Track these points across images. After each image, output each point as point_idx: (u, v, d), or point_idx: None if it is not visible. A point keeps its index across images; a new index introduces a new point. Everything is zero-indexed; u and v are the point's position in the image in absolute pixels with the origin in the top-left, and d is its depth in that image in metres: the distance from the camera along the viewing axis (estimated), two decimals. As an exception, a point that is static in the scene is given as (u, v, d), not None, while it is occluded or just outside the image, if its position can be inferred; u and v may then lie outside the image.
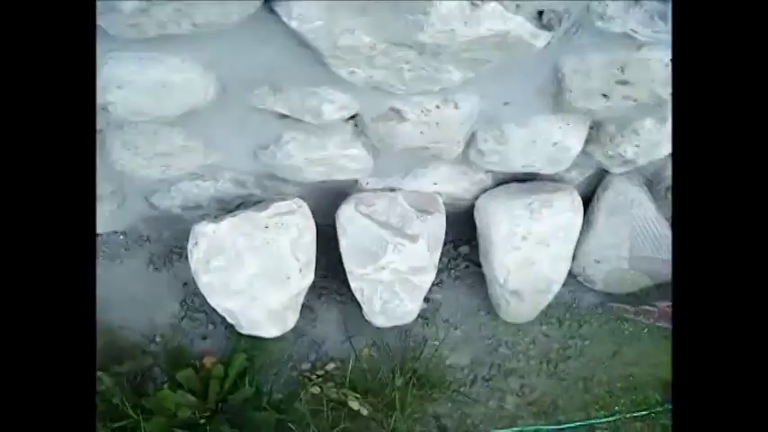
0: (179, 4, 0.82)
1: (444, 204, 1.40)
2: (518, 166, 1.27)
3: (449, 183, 1.37)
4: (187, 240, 1.34)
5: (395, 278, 1.33)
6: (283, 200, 1.29)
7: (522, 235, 1.32)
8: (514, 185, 1.38)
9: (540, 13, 0.91)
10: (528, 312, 1.44)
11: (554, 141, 1.20)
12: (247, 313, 1.32)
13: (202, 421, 1.32)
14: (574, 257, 1.42)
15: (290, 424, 1.29)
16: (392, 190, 1.36)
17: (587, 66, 1.03)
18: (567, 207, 1.33)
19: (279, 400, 1.36)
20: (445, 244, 1.47)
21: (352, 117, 1.15)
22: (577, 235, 1.36)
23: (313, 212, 1.34)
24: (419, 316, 1.46)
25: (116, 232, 1.52)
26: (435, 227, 1.34)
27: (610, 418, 1.40)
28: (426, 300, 1.47)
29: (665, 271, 1.43)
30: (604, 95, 1.08)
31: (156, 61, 0.96)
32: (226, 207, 1.38)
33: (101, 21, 0.86)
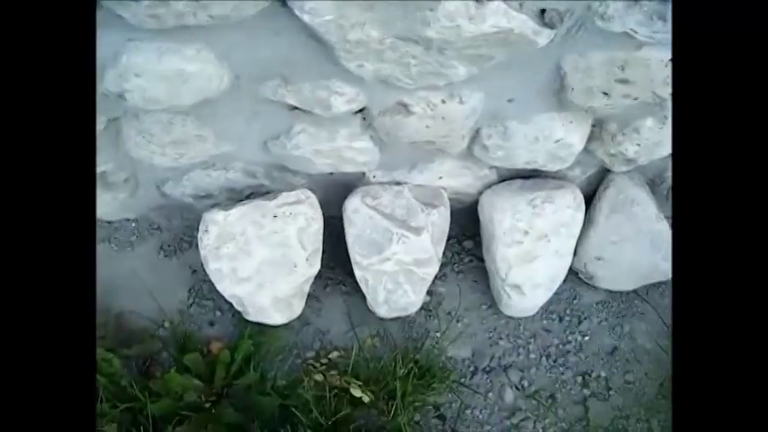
0: (197, -5, 0.87)
1: (449, 199, 1.44)
2: (521, 162, 1.31)
3: (454, 177, 1.41)
4: (197, 229, 1.39)
5: (399, 269, 1.37)
6: (292, 190, 1.34)
7: (523, 230, 1.35)
8: (518, 182, 1.42)
9: (543, 11, 0.95)
10: (528, 307, 1.48)
11: (556, 138, 1.24)
12: (254, 300, 1.37)
13: (208, 405, 1.37)
14: (575, 254, 1.46)
15: (293, 409, 1.33)
16: (398, 183, 1.41)
17: (588, 64, 1.07)
18: (568, 204, 1.36)
19: (283, 386, 1.40)
20: (449, 239, 1.52)
21: (361, 110, 1.20)
22: (578, 231, 1.40)
23: (321, 204, 1.39)
24: (422, 308, 1.51)
25: (128, 220, 1.57)
26: (440, 220, 1.38)
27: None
28: (429, 293, 1.52)
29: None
30: (605, 93, 1.12)
31: (172, 51, 1.00)
32: (236, 197, 1.43)
33: (122, 11, 0.91)
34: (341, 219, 1.40)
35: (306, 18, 0.94)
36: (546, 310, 1.53)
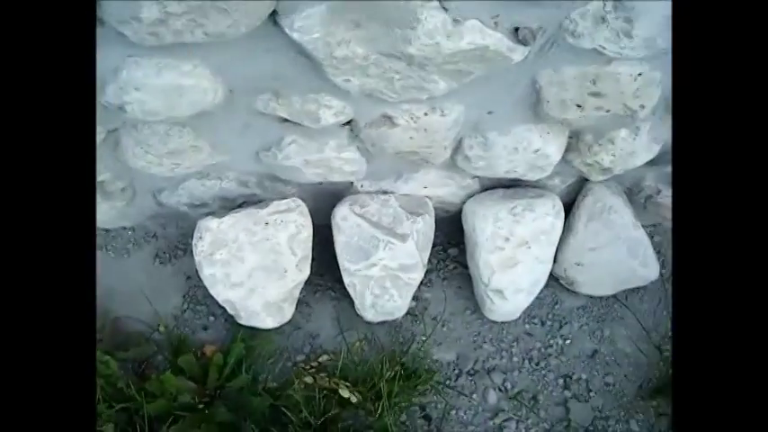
0: (194, 14, 0.94)
1: (435, 208, 1.51)
2: (502, 171, 1.39)
3: (438, 187, 1.48)
4: (191, 237, 1.45)
5: (385, 275, 1.44)
6: (283, 199, 1.41)
7: (505, 236, 1.43)
8: (500, 191, 1.49)
9: (516, 29, 1.03)
10: (511, 311, 1.55)
11: (535, 149, 1.32)
12: (246, 304, 1.43)
13: (201, 406, 1.43)
14: (556, 261, 1.53)
15: (283, 409, 1.39)
16: (385, 192, 1.48)
17: (562, 78, 1.15)
18: (548, 212, 1.44)
19: (274, 388, 1.46)
20: (435, 246, 1.59)
21: (348, 122, 1.27)
22: (558, 238, 1.47)
23: (310, 213, 1.45)
24: (408, 313, 1.57)
25: (125, 228, 1.63)
26: (425, 228, 1.45)
27: (587, 414, 1.50)
28: (415, 298, 1.58)
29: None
30: (579, 106, 1.20)
31: (170, 66, 1.07)
32: (229, 205, 1.50)
33: (123, 29, 0.98)
34: (330, 227, 1.47)
35: (295, 36, 1.01)
36: (528, 314, 1.60)
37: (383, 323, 1.56)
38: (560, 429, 1.49)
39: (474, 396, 1.51)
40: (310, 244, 1.44)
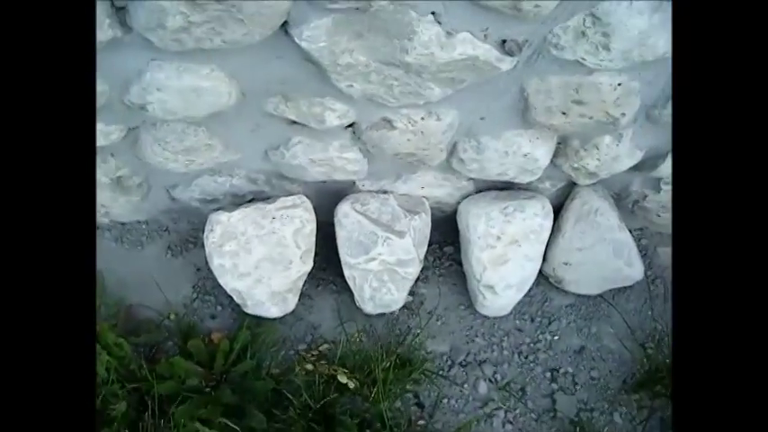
0: (214, 24, 1.07)
1: (432, 208, 1.64)
2: (494, 174, 1.51)
3: (435, 188, 1.60)
4: (201, 231, 1.58)
5: (383, 269, 1.56)
6: (289, 195, 1.54)
7: (496, 235, 1.54)
8: (493, 193, 1.61)
9: (504, 41, 1.15)
10: (502, 306, 1.66)
11: (524, 153, 1.44)
12: (253, 294, 1.56)
13: (207, 389, 1.55)
14: (545, 260, 1.65)
15: (285, 392, 1.51)
16: (384, 192, 1.60)
17: (548, 87, 1.27)
18: (537, 212, 1.56)
19: (277, 374, 1.58)
20: (431, 244, 1.71)
21: (351, 125, 1.39)
22: (547, 237, 1.59)
23: (315, 210, 1.58)
24: (405, 307, 1.69)
25: (139, 222, 1.76)
26: (421, 225, 1.58)
27: (573, 406, 1.61)
28: (412, 293, 1.70)
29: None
30: (563, 113, 1.32)
31: (190, 70, 1.20)
32: (239, 201, 1.62)
33: (150, 35, 1.11)
34: (332, 224, 1.59)
35: (303, 44, 1.14)
36: (519, 311, 1.71)
37: (381, 316, 1.68)
38: (547, 420, 1.61)
39: (465, 386, 1.62)
40: (314, 238, 1.56)
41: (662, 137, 1.44)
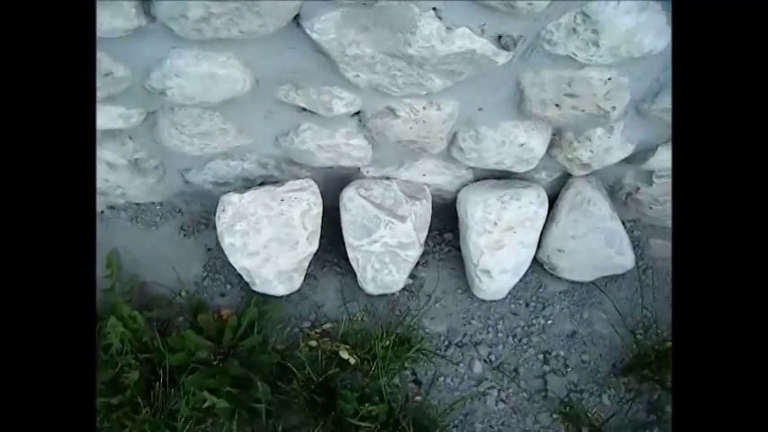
0: (232, 15, 1.19)
1: (433, 196, 1.75)
2: (492, 163, 1.61)
3: (436, 175, 1.71)
4: (213, 214, 1.70)
5: (385, 251, 1.67)
6: (298, 179, 1.65)
7: (493, 221, 1.65)
8: (491, 181, 1.72)
9: (500, 37, 1.26)
10: (497, 290, 1.77)
11: (520, 143, 1.54)
12: (261, 272, 1.67)
13: (215, 362, 1.66)
14: (540, 247, 1.76)
15: (289, 365, 1.63)
16: (388, 178, 1.71)
17: (542, 80, 1.37)
18: (533, 201, 1.66)
19: (281, 349, 1.70)
20: (432, 231, 1.82)
21: (357, 113, 1.50)
22: (541, 225, 1.70)
23: (321, 194, 1.69)
24: (405, 289, 1.80)
25: (154, 203, 1.88)
26: (422, 211, 1.68)
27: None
28: (412, 276, 1.81)
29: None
30: (557, 105, 1.42)
31: (208, 58, 1.31)
32: (249, 185, 1.73)
33: (172, 24, 1.22)
34: (338, 208, 1.70)
35: (314, 36, 1.25)
36: (514, 296, 1.82)
37: (382, 296, 1.79)
38: (538, 399, 1.71)
39: (461, 365, 1.73)
40: (320, 220, 1.68)
41: (651, 130, 1.55)
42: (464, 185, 1.74)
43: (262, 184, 1.72)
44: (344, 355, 1.64)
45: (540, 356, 1.76)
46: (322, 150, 1.58)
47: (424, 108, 1.45)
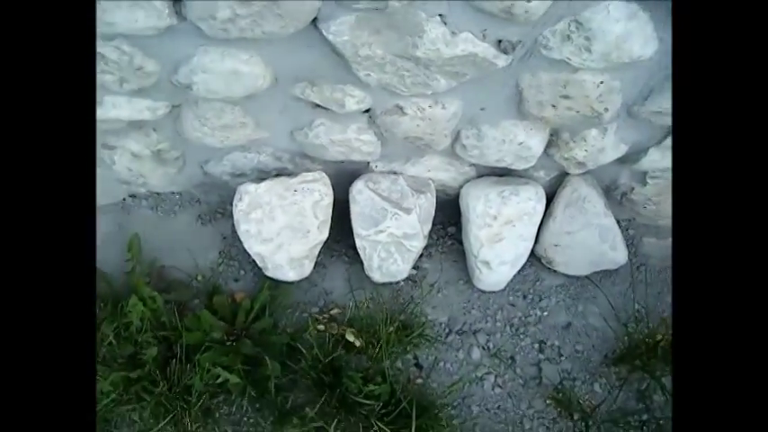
0: (256, 17, 1.33)
1: (437, 191, 1.88)
2: (493, 160, 1.75)
3: (440, 171, 1.85)
4: (228, 204, 1.84)
5: (391, 241, 1.81)
6: (310, 171, 1.80)
7: (493, 215, 1.79)
8: (493, 178, 1.86)
9: (500, 41, 1.40)
10: (497, 281, 1.90)
11: (519, 141, 1.68)
12: (274, 258, 1.81)
13: (229, 342, 1.80)
14: (537, 241, 1.89)
15: (298, 346, 1.76)
16: (395, 173, 1.85)
17: (539, 82, 1.51)
18: (531, 197, 1.80)
19: (291, 332, 1.84)
20: (436, 224, 1.96)
21: (367, 110, 1.64)
22: (539, 220, 1.83)
23: (332, 187, 1.83)
24: (409, 279, 1.94)
25: (173, 192, 2.03)
26: (426, 204, 1.82)
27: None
28: (416, 267, 1.95)
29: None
30: (553, 106, 1.56)
31: (232, 55, 1.46)
32: (264, 177, 1.88)
33: (201, 24, 1.37)
34: (347, 203, 1.85)
35: (330, 37, 1.39)
36: (512, 288, 1.96)
37: (387, 285, 1.93)
38: (533, 386, 1.84)
39: (460, 352, 1.87)
40: (330, 210, 1.82)
41: (643, 132, 1.68)
42: (467, 181, 1.88)
43: (277, 175, 1.87)
44: (350, 338, 1.78)
45: (536, 345, 1.89)
46: (334, 145, 1.72)
47: (430, 107, 1.59)
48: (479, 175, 1.88)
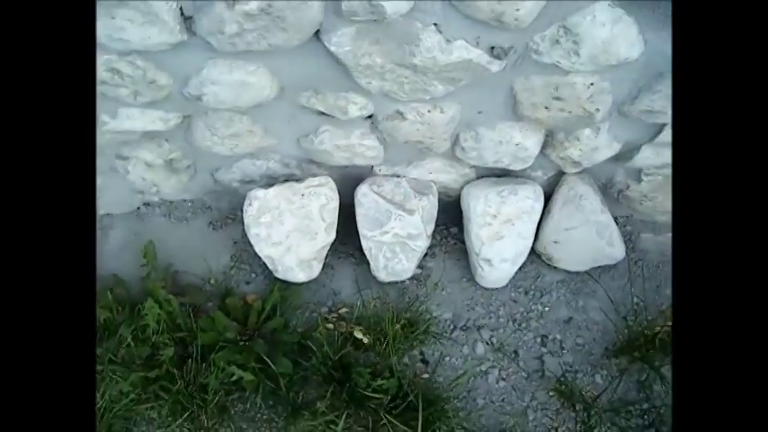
0: (262, 31, 1.43)
1: (439, 193, 1.98)
2: (491, 161, 1.84)
3: (441, 173, 1.95)
4: (238, 210, 1.94)
5: (395, 241, 1.91)
6: (316, 176, 1.89)
7: (493, 214, 1.88)
8: (492, 178, 1.95)
9: (493, 47, 1.50)
10: (499, 278, 1.99)
11: (516, 143, 1.77)
12: (283, 260, 1.91)
13: (242, 342, 1.90)
14: (537, 239, 1.98)
15: (309, 343, 1.86)
16: (398, 176, 1.95)
17: (532, 86, 1.60)
18: (529, 195, 1.89)
19: (301, 331, 1.93)
20: (438, 225, 2.05)
21: (369, 116, 1.73)
22: (538, 218, 1.92)
23: (338, 191, 1.93)
24: (414, 278, 2.03)
25: (185, 200, 2.13)
26: (429, 205, 1.92)
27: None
28: (420, 267, 2.04)
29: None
30: (546, 108, 1.65)
31: (240, 67, 1.56)
32: (273, 183, 1.97)
33: (210, 39, 1.47)
34: (352, 206, 1.94)
35: (332, 48, 1.49)
36: (514, 285, 2.04)
37: (393, 284, 2.02)
38: (536, 378, 1.93)
39: (465, 347, 1.96)
40: (337, 213, 1.91)
41: (635, 130, 1.77)
42: (467, 183, 1.97)
43: (285, 181, 1.97)
44: (359, 335, 1.87)
45: (538, 339, 1.98)
46: (339, 150, 1.82)
47: (428, 111, 1.68)
48: (479, 177, 1.97)
